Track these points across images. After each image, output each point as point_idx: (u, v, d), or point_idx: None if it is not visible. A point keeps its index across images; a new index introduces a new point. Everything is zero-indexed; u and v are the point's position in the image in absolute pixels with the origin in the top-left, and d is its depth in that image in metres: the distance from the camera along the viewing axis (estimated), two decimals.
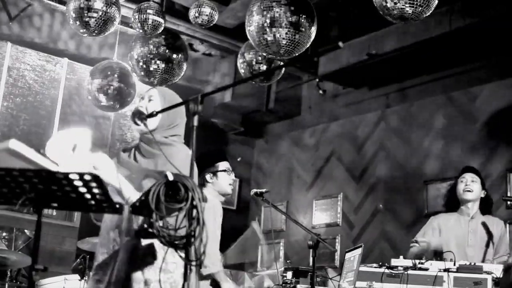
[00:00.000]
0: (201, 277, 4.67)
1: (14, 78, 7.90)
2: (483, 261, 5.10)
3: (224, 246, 4.85)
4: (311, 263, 4.84)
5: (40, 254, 2.66)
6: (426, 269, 4.66)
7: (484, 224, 5.32)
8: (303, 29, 5.38)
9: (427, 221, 5.61)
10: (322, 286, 6.31)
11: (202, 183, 4.88)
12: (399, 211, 7.78)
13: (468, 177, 5.41)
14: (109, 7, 5.94)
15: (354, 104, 8.66)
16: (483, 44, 6.98)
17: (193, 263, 2.58)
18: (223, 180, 4.91)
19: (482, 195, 5.42)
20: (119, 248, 3.09)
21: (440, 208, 7.04)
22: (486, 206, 5.45)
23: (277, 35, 5.32)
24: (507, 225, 5.65)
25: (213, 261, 4.66)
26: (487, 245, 5.27)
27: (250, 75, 6.48)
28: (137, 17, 6.36)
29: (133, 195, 2.96)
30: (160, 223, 2.59)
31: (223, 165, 4.95)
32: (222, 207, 4.92)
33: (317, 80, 8.44)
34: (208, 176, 4.88)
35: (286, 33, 5.32)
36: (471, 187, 5.37)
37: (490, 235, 5.28)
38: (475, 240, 5.28)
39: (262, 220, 9.46)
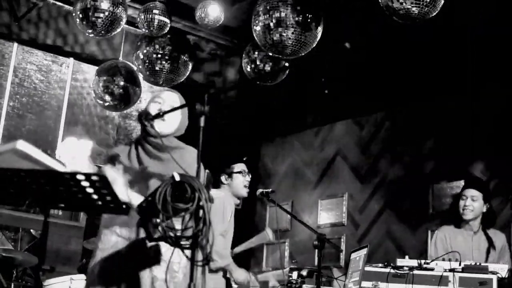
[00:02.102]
0: (210, 270, 4.69)
1: (20, 78, 7.91)
2: None
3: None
4: (316, 263, 4.85)
5: (46, 254, 2.67)
6: (432, 269, 4.65)
7: (488, 239, 5.31)
8: (310, 29, 5.38)
9: (433, 237, 5.58)
10: (328, 286, 6.30)
11: (217, 184, 4.89)
12: (404, 211, 7.76)
13: (469, 194, 5.35)
14: (115, 7, 5.96)
15: (360, 103, 8.63)
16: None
17: (199, 263, 2.59)
18: (238, 182, 4.92)
19: (484, 210, 5.36)
20: (125, 244, 3.08)
21: (445, 207, 7.08)
22: (488, 220, 5.41)
23: (283, 35, 5.32)
24: None
25: (222, 255, 4.68)
26: (489, 259, 5.25)
27: (255, 75, 6.48)
28: (143, 17, 6.37)
29: None
30: (166, 223, 2.59)
31: (239, 166, 4.96)
32: None
33: (322, 79, 8.42)
34: (223, 178, 4.90)
35: (292, 33, 5.33)
36: (471, 207, 5.31)
37: (494, 249, 5.28)
38: (479, 256, 5.25)
39: (267, 220, 9.45)
